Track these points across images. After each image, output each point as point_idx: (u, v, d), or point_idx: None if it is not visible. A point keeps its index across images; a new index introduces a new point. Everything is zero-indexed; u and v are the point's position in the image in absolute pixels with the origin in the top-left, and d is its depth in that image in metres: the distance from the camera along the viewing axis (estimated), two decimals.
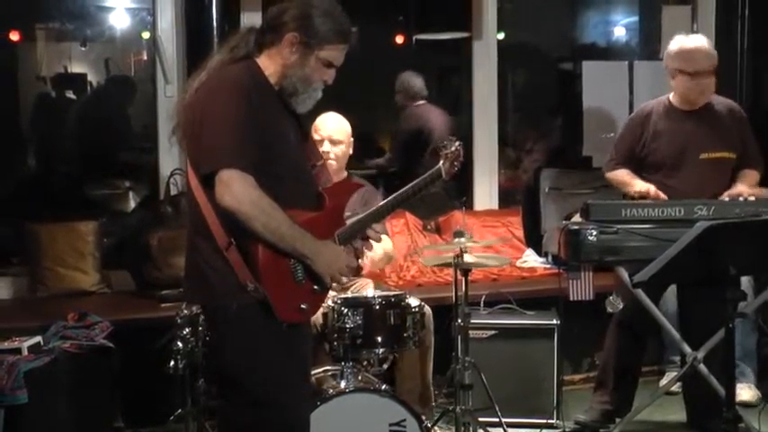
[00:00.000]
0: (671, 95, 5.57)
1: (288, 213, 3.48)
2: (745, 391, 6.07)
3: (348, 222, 3.82)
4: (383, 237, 4.33)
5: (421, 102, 8.10)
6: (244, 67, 3.62)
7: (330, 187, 3.87)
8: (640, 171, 5.55)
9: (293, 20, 3.62)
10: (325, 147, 5.27)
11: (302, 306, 3.57)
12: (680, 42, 5.49)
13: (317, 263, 3.54)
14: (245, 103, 3.46)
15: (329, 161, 5.14)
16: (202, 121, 3.47)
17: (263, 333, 3.53)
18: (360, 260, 4.02)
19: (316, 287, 3.61)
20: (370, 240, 3.87)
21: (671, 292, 5.74)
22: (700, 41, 5.48)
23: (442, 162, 4.12)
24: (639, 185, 5.34)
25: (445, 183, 4.28)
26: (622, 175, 5.57)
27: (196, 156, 3.53)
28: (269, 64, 3.66)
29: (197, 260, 3.58)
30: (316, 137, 5.27)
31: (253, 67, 3.64)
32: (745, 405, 5.84)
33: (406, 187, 4.06)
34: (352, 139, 5.41)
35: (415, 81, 8.16)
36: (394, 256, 5.76)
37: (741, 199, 5.20)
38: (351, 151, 5.42)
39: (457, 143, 4.18)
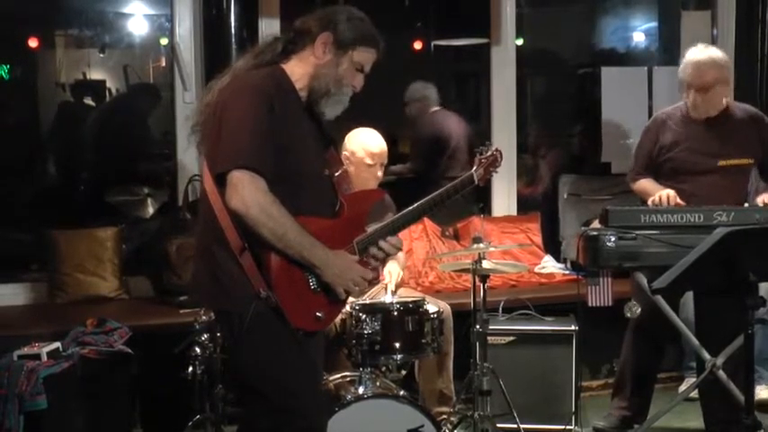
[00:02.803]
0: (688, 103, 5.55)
1: (303, 220, 3.47)
2: (765, 392, 6.07)
3: (369, 230, 3.79)
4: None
5: (436, 108, 8.10)
6: (269, 72, 3.62)
7: (350, 195, 3.84)
8: (658, 178, 5.54)
9: (325, 22, 3.65)
10: (377, 172, 5.37)
11: (318, 314, 3.55)
12: (689, 55, 5.47)
13: (326, 272, 3.52)
14: (267, 107, 3.45)
15: (374, 180, 5.28)
16: (221, 122, 3.46)
17: (278, 340, 3.51)
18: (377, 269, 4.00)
19: (330, 296, 3.59)
20: (385, 251, 3.82)
21: (688, 298, 5.72)
22: (704, 55, 5.41)
23: (475, 168, 4.07)
24: (655, 196, 5.32)
25: (477, 189, 4.23)
26: (645, 185, 5.55)
27: (212, 155, 3.51)
28: (298, 68, 3.67)
29: (211, 264, 3.55)
30: (368, 161, 5.30)
31: (278, 72, 3.64)
32: (764, 404, 5.87)
33: (436, 193, 4.01)
34: None
35: (428, 90, 8.15)
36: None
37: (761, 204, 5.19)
38: None
39: (493, 149, 4.13)
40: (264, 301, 3.43)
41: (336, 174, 3.82)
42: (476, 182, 4.06)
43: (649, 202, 5.32)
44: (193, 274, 3.76)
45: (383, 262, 5.24)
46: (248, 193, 3.35)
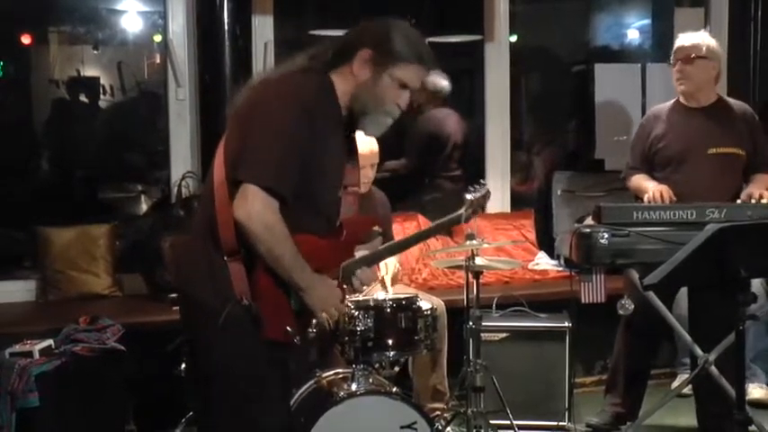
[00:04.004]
0: (679, 95, 5.62)
1: (299, 239, 3.38)
2: (757, 390, 6.09)
3: (357, 256, 3.73)
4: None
5: (440, 107, 8.08)
6: (316, 78, 3.50)
7: (350, 218, 3.75)
8: (651, 170, 5.55)
9: (370, 37, 3.52)
10: (368, 173, 5.40)
11: (288, 329, 3.44)
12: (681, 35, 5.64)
13: (310, 296, 3.44)
14: (306, 117, 3.35)
15: (365, 183, 5.23)
16: (254, 123, 3.36)
17: (246, 343, 3.41)
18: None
19: (304, 316, 3.51)
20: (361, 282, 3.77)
21: (683, 294, 5.72)
22: (692, 35, 5.59)
23: (464, 208, 4.08)
24: (650, 193, 5.33)
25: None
26: (638, 181, 5.57)
27: (235, 155, 3.37)
28: (340, 83, 3.53)
29: (199, 254, 3.46)
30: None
31: (326, 80, 3.52)
32: (757, 404, 5.87)
33: (422, 230, 4.04)
34: None
35: (444, 83, 8.07)
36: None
37: (753, 200, 5.20)
38: None
39: (485, 190, 4.14)
40: (245, 308, 3.36)
41: (347, 191, 3.74)
42: (462, 222, 4.08)
43: (645, 199, 5.33)
44: (180, 256, 3.66)
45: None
46: (256, 210, 3.27)
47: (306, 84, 3.45)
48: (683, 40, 5.57)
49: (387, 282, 5.31)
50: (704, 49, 5.49)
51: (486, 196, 4.16)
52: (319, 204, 3.52)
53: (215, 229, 3.39)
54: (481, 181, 4.23)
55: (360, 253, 3.75)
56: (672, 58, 5.60)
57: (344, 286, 3.71)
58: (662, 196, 5.27)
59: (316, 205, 3.50)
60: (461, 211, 4.04)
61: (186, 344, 4.73)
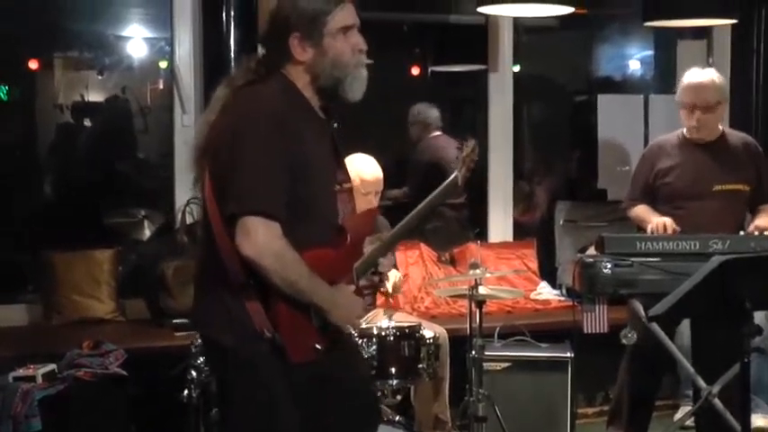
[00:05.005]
0: (684, 129, 5.58)
1: (308, 257, 3.30)
2: (760, 419, 6.07)
3: (366, 252, 3.70)
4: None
5: (437, 133, 8.11)
6: (273, 82, 3.40)
7: (351, 220, 3.69)
8: (654, 203, 5.56)
9: (286, 23, 3.39)
10: (372, 200, 5.35)
11: (317, 346, 3.39)
12: (689, 77, 5.50)
13: (333, 314, 3.38)
14: (280, 126, 3.25)
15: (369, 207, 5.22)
16: (232, 152, 3.26)
17: (274, 375, 3.36)
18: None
19: (329, 331, 3.44)
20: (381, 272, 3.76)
21: (685, 325, 5.72)
22: (704, 76, 5.46)
23: (457, 169, 3.99)
24: (653, 224, 5.33)
25: (460, 193, 4.13)
26: (640, 212, 5.56)
27: (223, 189, 3.28)
28: (295, 78, 3.42)
29: (211, 294, 3.39)
30: (362, 189, 5.26)
31: (283, 79, 3.42)
32: None
33: (423, 204, 3.91)
34: None
35: (431, 112, 8.15)
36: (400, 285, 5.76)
37: (756, 233, 5.20)
38: None
39: (473, 143, 4.05)
40: (269, 342, 3.29)
41: (340, 189, 3.67)
42: (459, 183, 3.97)
43: (648, 230, 5.33)
44: (195, 298, 3.56)
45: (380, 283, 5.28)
46: (262, 242, 3.19)
47: (266, 92, 3.37)
48: (697, 84, 5.43)
49: (387, 288, 5.29)
50: (719, 95, 5.42)
51: (475, 149, 4.05)
52: (316, 208, 3.43)
53: (220, 266, 3.31)
54: (467, 137, 4.10)
55: (368, 247, 3.71)
56: (681, 95, 5.49)
57: (361, 286, 3.68)
58: (665, 227, 5.27)
59: (313, 210, 3.41)
60: (456, 172, 3.93)
61: (188, 370, 4.76)
